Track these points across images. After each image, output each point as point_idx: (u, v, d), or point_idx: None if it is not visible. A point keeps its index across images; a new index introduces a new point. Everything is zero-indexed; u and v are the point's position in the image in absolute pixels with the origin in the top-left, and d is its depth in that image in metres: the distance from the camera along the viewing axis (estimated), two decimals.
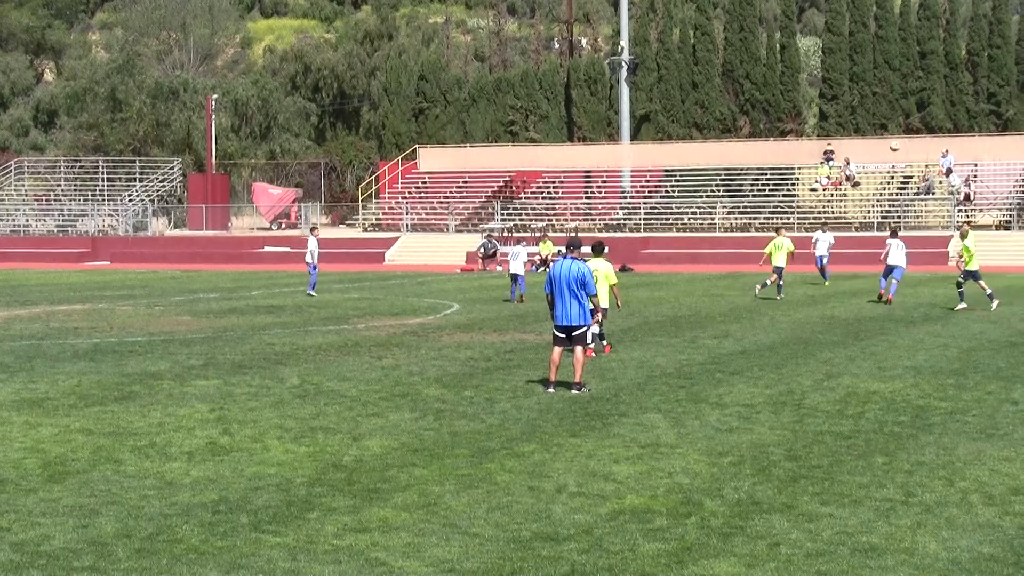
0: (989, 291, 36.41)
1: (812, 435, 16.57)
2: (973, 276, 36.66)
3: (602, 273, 25.15)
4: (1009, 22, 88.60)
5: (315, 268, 45.46)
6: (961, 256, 37.67)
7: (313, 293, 44.68)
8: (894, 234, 41.28)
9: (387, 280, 56.36)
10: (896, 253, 39.78)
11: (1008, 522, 12.12)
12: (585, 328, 20.48)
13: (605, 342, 26.38)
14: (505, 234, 74.06)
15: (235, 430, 17.13)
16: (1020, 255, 64.46)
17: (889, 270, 39.64)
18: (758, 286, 42.30)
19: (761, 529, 11.92)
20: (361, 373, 23.13)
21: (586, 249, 22.94)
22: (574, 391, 20.32)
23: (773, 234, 46.26)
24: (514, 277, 41.43)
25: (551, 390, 20.47)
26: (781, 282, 42.19)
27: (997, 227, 71.15)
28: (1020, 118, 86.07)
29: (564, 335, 20.52)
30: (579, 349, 20.49)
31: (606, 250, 26.16)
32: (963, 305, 35.93)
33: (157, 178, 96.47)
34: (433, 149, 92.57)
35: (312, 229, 48.81)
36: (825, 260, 49.71)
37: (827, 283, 48.53)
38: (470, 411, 18.69)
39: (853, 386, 20.95)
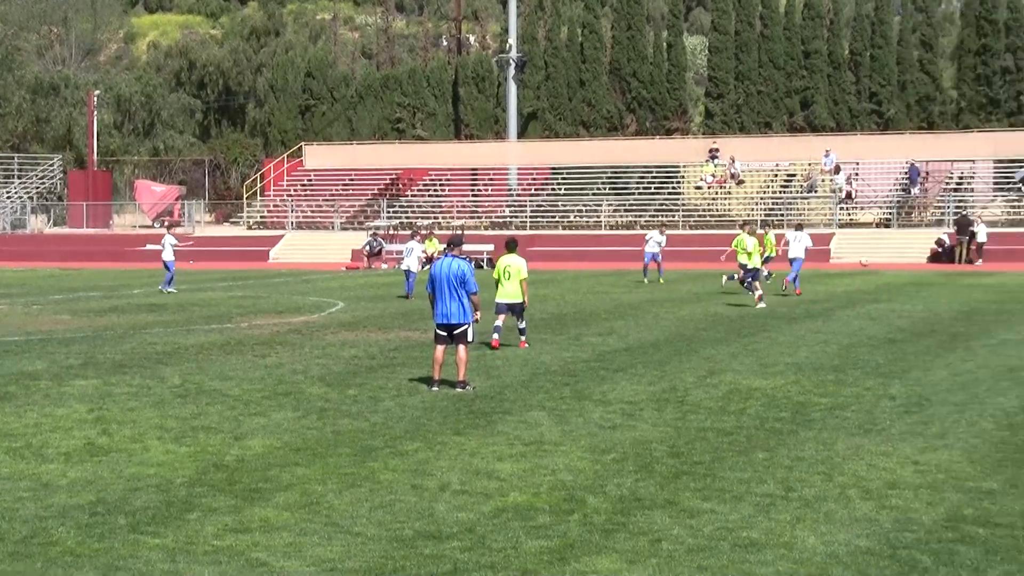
0: (760, 292, 37.15)
1: (694, 432, 16.68)
2: (754, 274, 37.66)
3: (515, 268, 26.46)
4: (891, 22, 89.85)
5: (170, 264, 45.46)
6: (735, 250, 39.71)
7: (172, 289, 44.76)
8: (799, 228, 44.05)
9: (271, 278, 56.00)
10: (796, 246, 42.08)
11: (884, 516, 12.27)
12: (466, 326, 20.48)
13: (496, 336, 26.63)
14: (391, 232, 73.84)
15: (114, 430, 16.90)
16: (899, 253, 65.39)
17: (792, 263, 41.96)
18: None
19: (643, 525, 11.97)
20: (244, 372, 22.94)
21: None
22: (458, 389, 20.30)
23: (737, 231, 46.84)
24: (407, 273, 41.56)
25: (435, 388, 20.43)
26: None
27: (877, 225, 72.17)
28: (901, 117, 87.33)
29: (446, 333, 20.50)
30: (462, 347, 20.48)
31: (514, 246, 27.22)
32: (760, 295, 36.84)
33: (37, 175, 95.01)
34: (319, 147, 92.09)
35: (168, 228, 50.02)
36: (659, 259, 49.91)
37: (661, 281, 49.03)
38: (354, 410, 18.60)
39: (735, 383, 21.11)
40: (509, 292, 26.65)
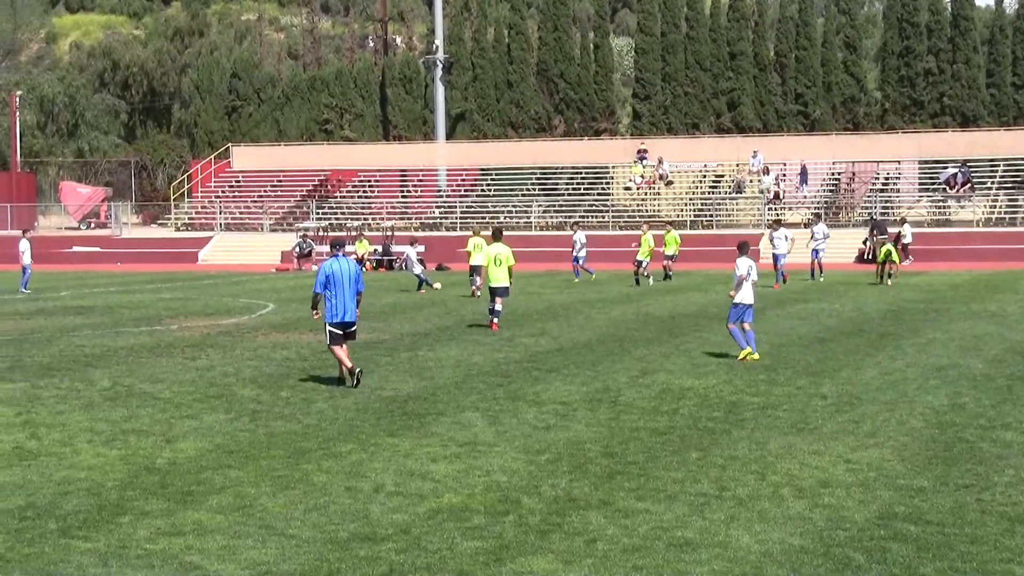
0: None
1: (628, 431, 16.70)
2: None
3: (504, 255, 30.42)
4: (815, 24, 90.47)
5: (28, 268, 47.43)
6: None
7: (25, 290, 46.39)
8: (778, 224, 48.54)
9: (200, 280, 55.61)
10: (780, 244, 46.71)
11: (817, 514, 12.34)
12: (356, 325, 21.35)
13: (496, 320, 30.38)
14: (320, 233, 73.53)
15: (43, 434, 16.72)
16: (827, 253, 65.68)
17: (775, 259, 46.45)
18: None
19: (578, 526, 11.97)
20: (174, 374, 22.77)
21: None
22: (343, 385, 20.95)
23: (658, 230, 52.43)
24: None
25: (348, 383, 20.79)
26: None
27: (806, 225, 72.53)
28: (826, 118, 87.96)
29: (342, 332, 21.02)
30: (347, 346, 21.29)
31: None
32: None
33: None
34: (247, 148, 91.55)
35: (24, 231, 52.19)
36: (580, 260, 51.86)
37: (592, 276, 50.71)
38: (286, 411, 18.51)
39: (668, 383, 21.17)
40: (499, 277, 30.23)
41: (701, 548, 11.23)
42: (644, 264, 47.49)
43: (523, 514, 12.40)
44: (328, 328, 21.01)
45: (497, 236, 31.29)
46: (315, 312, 21.87)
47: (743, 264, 24.08)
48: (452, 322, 32.80)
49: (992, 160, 75.51)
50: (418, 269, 47.65)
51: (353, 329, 21.25)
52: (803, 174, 75.72)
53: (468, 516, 12.34)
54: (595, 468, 14.46)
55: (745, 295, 24.13)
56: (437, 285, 46.51)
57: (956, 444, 15.69)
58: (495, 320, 30.55)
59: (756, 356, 24.05)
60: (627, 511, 12.49)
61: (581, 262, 51.55)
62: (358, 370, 20.91)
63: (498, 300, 30.63)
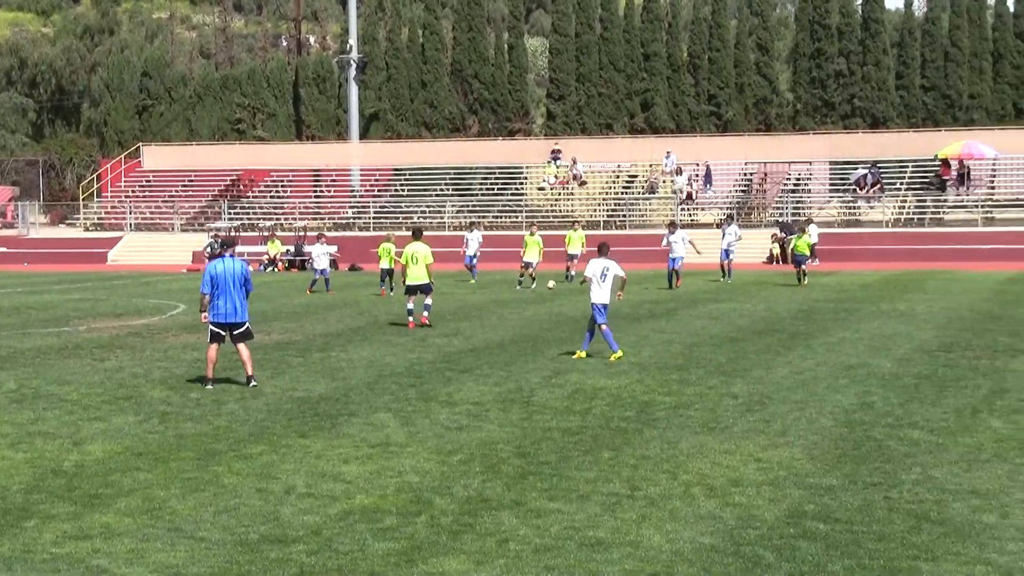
0: None
1: (541, 432, 16.71)
2: None
3: (421, 253, 30.91)
4: (728, 26, 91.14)
5: None
6: None
7: None
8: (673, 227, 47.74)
9: (110, 281, 55.07)
10: (677, 247, 45.95)
11: (728, 513, 12.41)
12: (247, 324, 21.23)
13: (411, 318, 31.00)
14: (233, 234, 73.04)
15: None
16: (739, 253, 66.13)
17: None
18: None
19: (490, 526, 11.96)
20: (83, 376, 22.52)
21: None
22: (253, 384, 20.81)
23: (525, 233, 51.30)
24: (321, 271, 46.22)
25: (211, 387, 20.74)
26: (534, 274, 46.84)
27: (718, 225, 73.01)
28: (739, 119, 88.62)
29: (225, 332, 21.02)
30: (243, 346, 21.10)
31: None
32: None
33: None
34: (158, 147, 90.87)
35: None
36: (474, 259, 52.32)
37: (473, 280, 50.52)
38: (197, 413, 18.35)
39: (580, 383, 21.21)
40: (417, 275, 30.89)
41: (613, 547, 11.25)
42: (533, 266, 47.13)
43: (435, 515, 12.37)
44: (210, 327, 21.08)
45: (417, 235, 31.75)
46: (204, 314, 21.54)
47: (595, 265, 24.71)
48: (365, 322, 32.71)
49: (901, 161, 76.42)
50: (321, 265, 46.35)
51: (243, 330, 21.15)
52: (707, 176, 76.39)
53: (380, 517, 12.29)
54: (507, 468, 14.45)
55: (600, 295, 24.59)
56: (331, 292, 45.17)
57: (864, 443, 15.84)
58: (412, 320, 30.98)
59: (583, 355, 24.51)
60: (539, 511, 12.50)
61: (475, 262, 51.74)
62: (253, 384, 20.87)
63: (420, 296, 31.23)
